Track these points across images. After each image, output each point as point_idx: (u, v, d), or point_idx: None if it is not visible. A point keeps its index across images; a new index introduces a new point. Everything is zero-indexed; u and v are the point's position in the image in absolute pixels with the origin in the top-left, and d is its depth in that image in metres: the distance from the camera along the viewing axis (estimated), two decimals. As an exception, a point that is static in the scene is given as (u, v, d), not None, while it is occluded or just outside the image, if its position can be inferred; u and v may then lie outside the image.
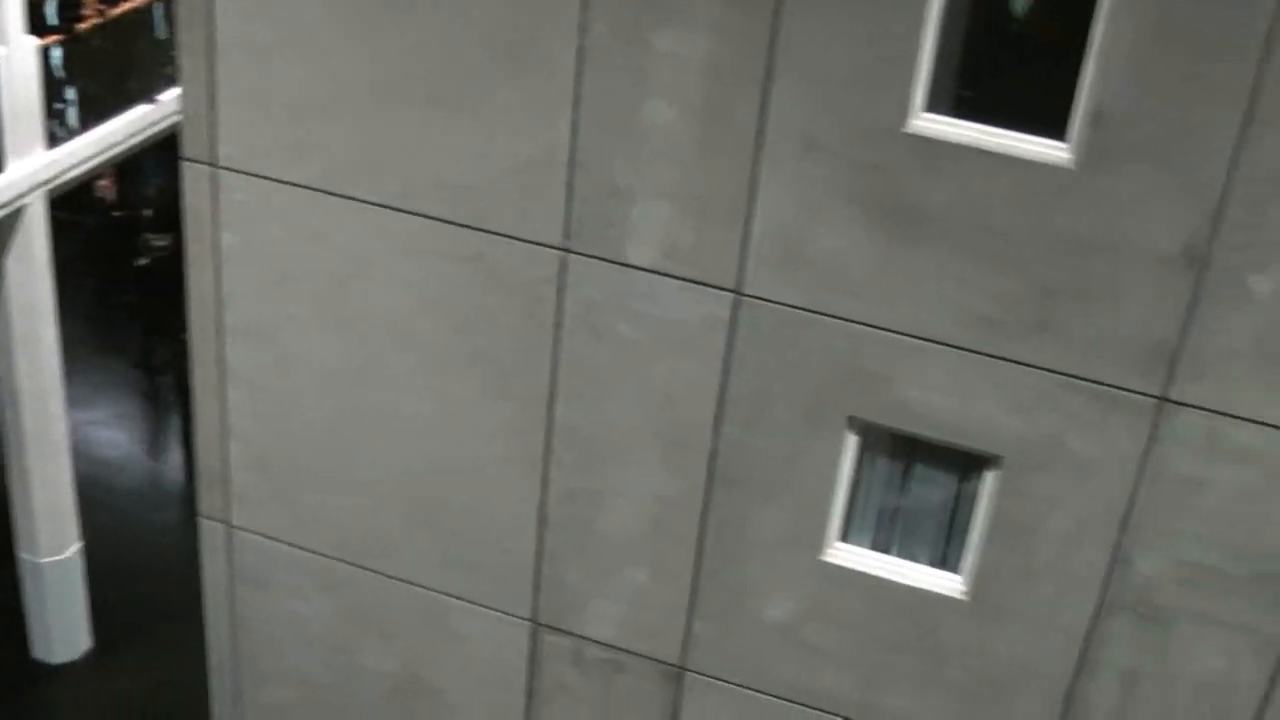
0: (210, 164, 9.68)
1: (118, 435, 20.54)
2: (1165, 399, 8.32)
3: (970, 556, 9.15)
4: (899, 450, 9.19)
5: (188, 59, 9.41)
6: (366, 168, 9.29)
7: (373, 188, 9.35)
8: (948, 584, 9.28)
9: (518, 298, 9.37)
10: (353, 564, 10.70)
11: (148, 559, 18.09)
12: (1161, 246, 7.94)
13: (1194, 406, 8.29)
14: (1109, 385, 8.36)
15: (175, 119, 11.28)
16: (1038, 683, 9.27)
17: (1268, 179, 7.56)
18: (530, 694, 10.68)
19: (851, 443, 9.11)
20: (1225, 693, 8.97)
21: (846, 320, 8.67)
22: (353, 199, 9.47)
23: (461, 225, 9.31)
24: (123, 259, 22.46)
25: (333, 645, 11.11)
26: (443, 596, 10.54)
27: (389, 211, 9.42)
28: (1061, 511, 8.76)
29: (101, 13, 16.09)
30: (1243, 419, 8.23)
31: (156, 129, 16.42)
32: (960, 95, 8.18)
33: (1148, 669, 9.05)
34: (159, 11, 16.31)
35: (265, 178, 9.61)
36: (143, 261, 22.49)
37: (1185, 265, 7.94)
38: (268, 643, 11.34)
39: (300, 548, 10.81)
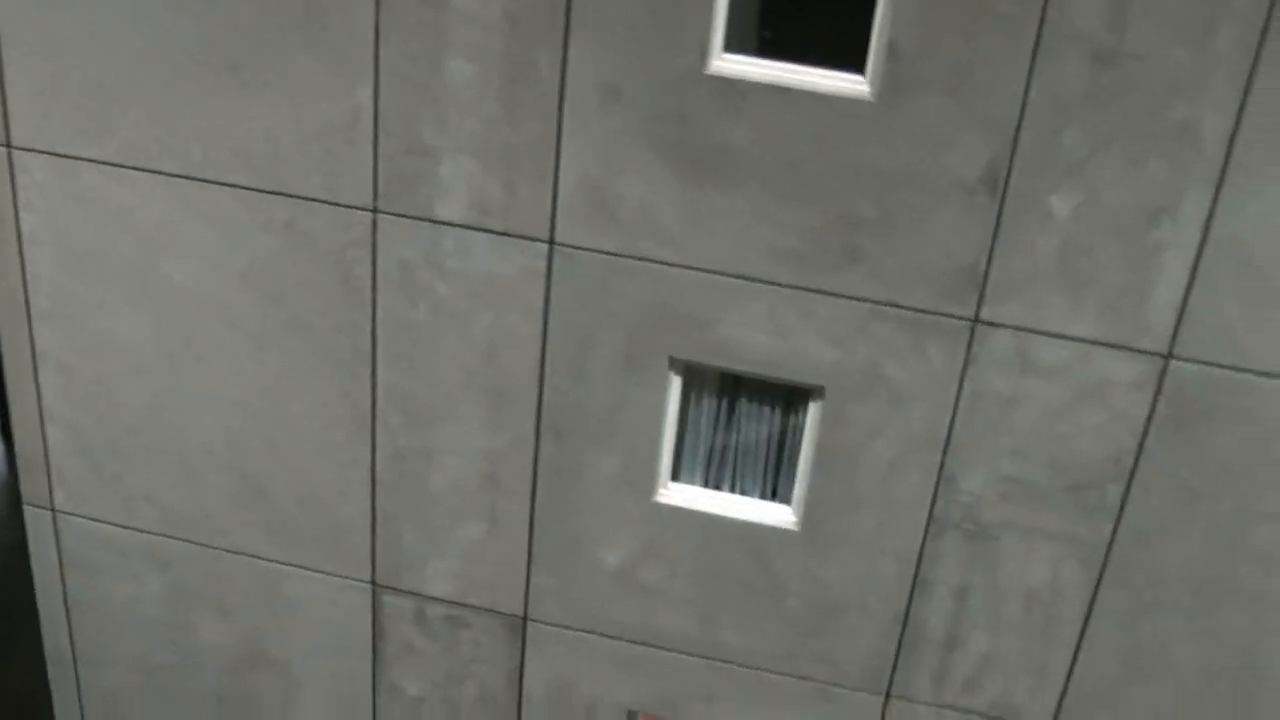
0: (3, 145, 9.35)
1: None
2: (976, 321, 8.51)
3: (799, 488, 9.32)
4: (723, 388, 9.30)
5: (-36, 39, 9.06)
6: (167, 141, 9.06)
7: (175, 160, 9.13)
8: (779, 516, 9.45)
9: (331, 263, 9.24)
10: (184, 540, 10.55)
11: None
12: (962, 174, 8.09)
13: (1004, 326, 8.50)
14: (921, 311, 8.54)
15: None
16: (873, 606, 9.51)
17: (1058, 105, 7.75)
18: (376, 657, 10.67)
19: (675, 384, 9.19)
20: (1053, 601, 9.29)
21: (661, 264, 8.71)
22: (155, 173, 9.23)
23: (268, 193, 9.14)
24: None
25: (170, 625, 10.97)
26: (278, 566, 10.46)
27: (193, 183, 9.21)
28: (884, 437, 8.96)
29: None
30: (1050, 335, 8.46)
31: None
32: (760, 35, 8.20)
33: (977, 584, 9.33)
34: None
35: (63, 156, 9.32)
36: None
37: (986, 191, 8.11)
38: (103, 628, 11.16)
39: (129, 528, 10.63)
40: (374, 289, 9.25)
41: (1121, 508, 8.92)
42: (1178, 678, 9.38)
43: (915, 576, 9.37)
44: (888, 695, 9.87)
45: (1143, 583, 9.13)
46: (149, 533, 10.61)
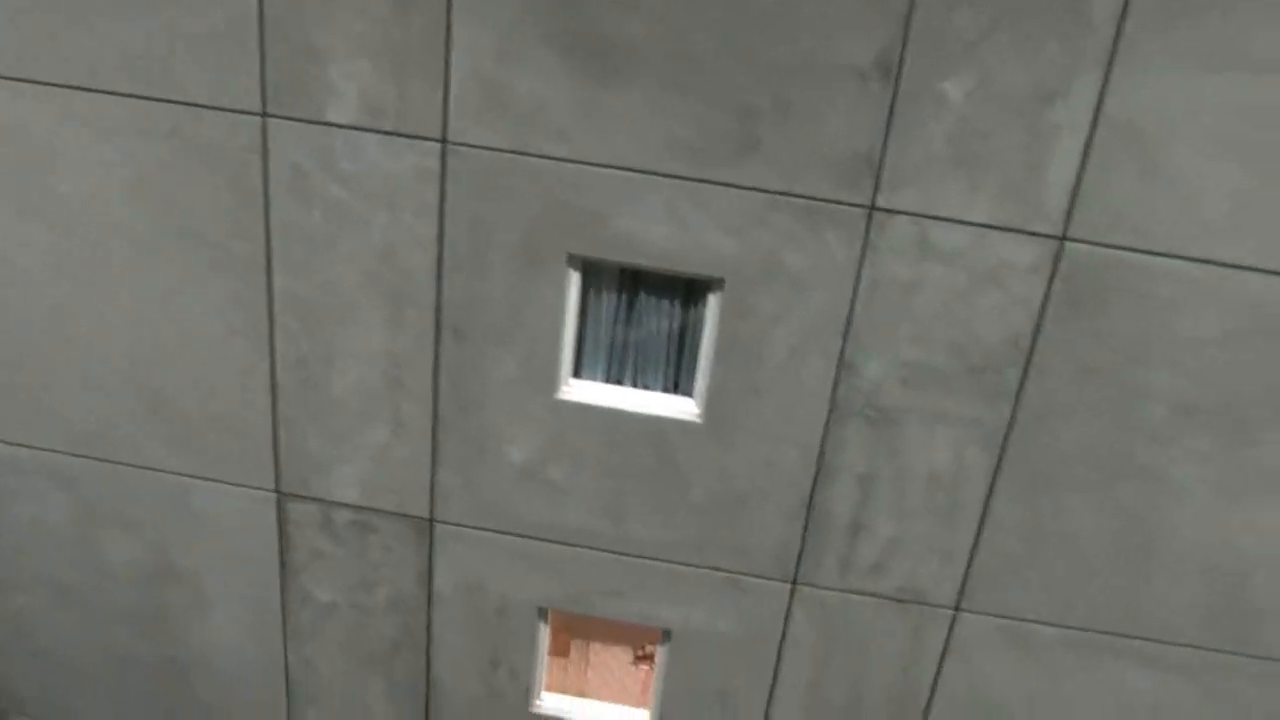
0: (-119, 59, 9.09)
1: None
2: (873, 208, 8.56)
3: (701, 380, 9.39)
4: (622, 283, 9.31)
5: None
6: (52, 52, 8.83)
7: (60, 71, 8.91)
8: (682, 409, 9.52)
9: (221, 169, 9.10)
10: (85, 457, 10.45)
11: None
12: (856, 61, 8.09)
13: (901, 213, 8.56)
14: (818, 200, 8.57)
15: None
16: (778, 495, 9.63)
17: (947, -14, 7.75)
18: (284, 565, 10.68)
19: (574, 280, 9.19)
20: (956, 484, 9.46)
21: (555, 159, 8.67)
22: (40, 84, 9.01)
23: (156, 100, 8.95)
24: None
25: (75, 543, 10.90)
26: (183, 478, 10.40)
27: (79, 93, 9.00)
28: (785, 327, 9.02)
29: None
30: (947, 220, 8.54)
31: None
32: (649, -78, 8.12)
33: (882, 470, 9.47)
34: None
35: (-61, 69, 9.08)
36: None
37: (880, 77, 8.12)
38: (8, 549, 11.06)
39: (29, 447, 10.51)
40: (266, 194, 9.13)
41: (1020, 389, 9.07)
42: (1077, 552, 9.61)
43: (819, 464, 9.49)
44: (795, 582, 10.04)
45: (1042, 462, 9.31)
46: (50, 450, 10.50)
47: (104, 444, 10.38)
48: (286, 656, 11.26)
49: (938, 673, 10.39)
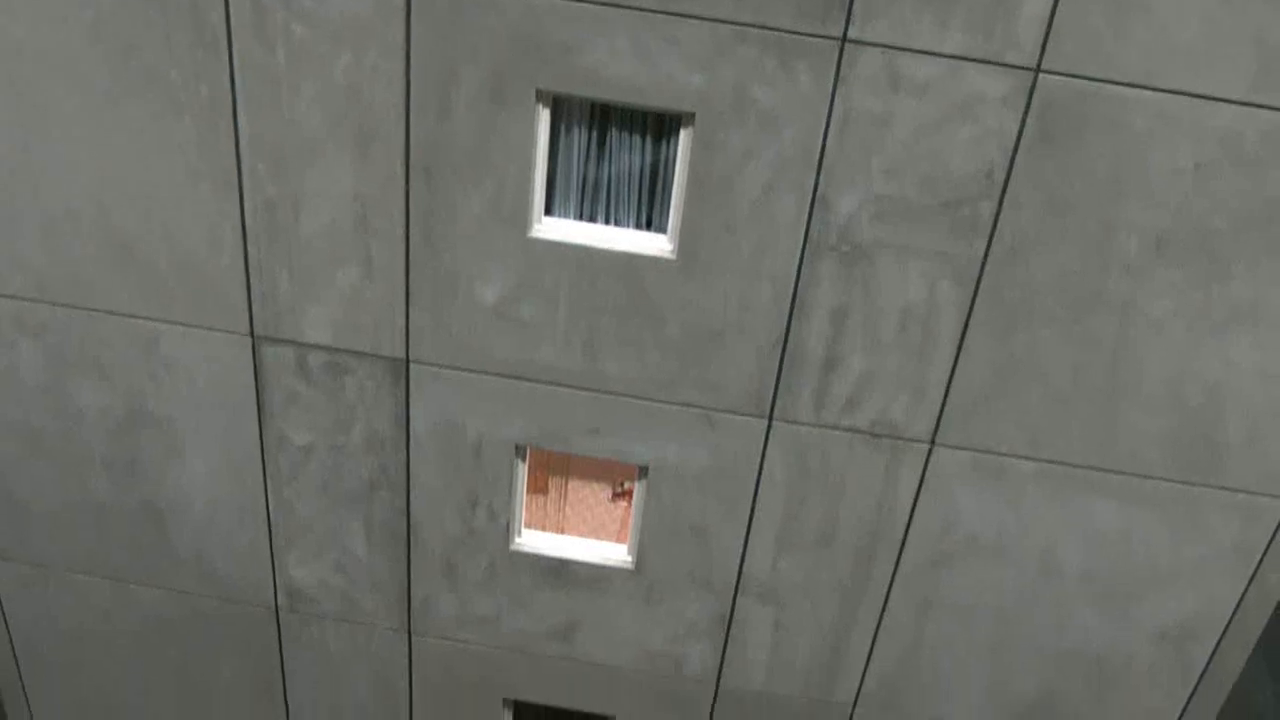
0: None
1: None
2: (844, 40, 8.54)
3: (673, 216, 9.44)
4: (592, 119, 9.32)
5: None
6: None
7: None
8: (655, 245, 9.59)
9: (181, 10, 9.02)
10: (53, 304, 10.49)
11: None
12: (825, -114, 8.01)
13: (872, 45, 8.55)
14: (787, 32, 8.53)
15: None
16: (753, 331, 9.74)
17: None
18: (260, 409, 10.80)
19: (544, 116, 9.19)
20: (930, 317, 9.58)
21: (522, -6, 8.60)
22: (-13, -77, 8.89)
23: (109, -63, 8.85)
24: None
25: (47, 391, 11.00)
26: (154, 324, 10.47)
27: (30, -67, 8.89)
28: (756, 162, 9.05)
29: None
30: (918, 52, 8.53)
31: None
32: None
33: (855, 305, 9.57)
34: None
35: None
36: None
37: (849, -97, 8.04)
38: (-21, 394, 11.17)
39: (-3, 294, 10.56)
40: (229, 35, 9.07)
41: (994, 223, 9.15)
42: (1049, 385, 9.77)
43: (793, 300, 9.59)
44: (770, 418, 10.20)
45: (1015, 296, 9.42)
46: (17, 298, 10.54)
47: (72, 291, 10.43)
48: (266, 499, 11.44)
49: (912, 506, 10.61)
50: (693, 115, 8.97)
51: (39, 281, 10.42)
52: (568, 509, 11.75)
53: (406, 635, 12.21)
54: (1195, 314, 9.33)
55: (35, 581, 12.50)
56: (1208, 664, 11.24)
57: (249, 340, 10.45)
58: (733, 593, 11.31)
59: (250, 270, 10.07)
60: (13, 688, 13.56)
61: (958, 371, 9.87)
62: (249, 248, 9.98)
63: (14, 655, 13.22)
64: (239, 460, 11.22)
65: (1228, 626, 10.97)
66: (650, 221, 9.65)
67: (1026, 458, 10.18)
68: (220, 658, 12.80)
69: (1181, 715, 11.63)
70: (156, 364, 10.68)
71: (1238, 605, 10.83)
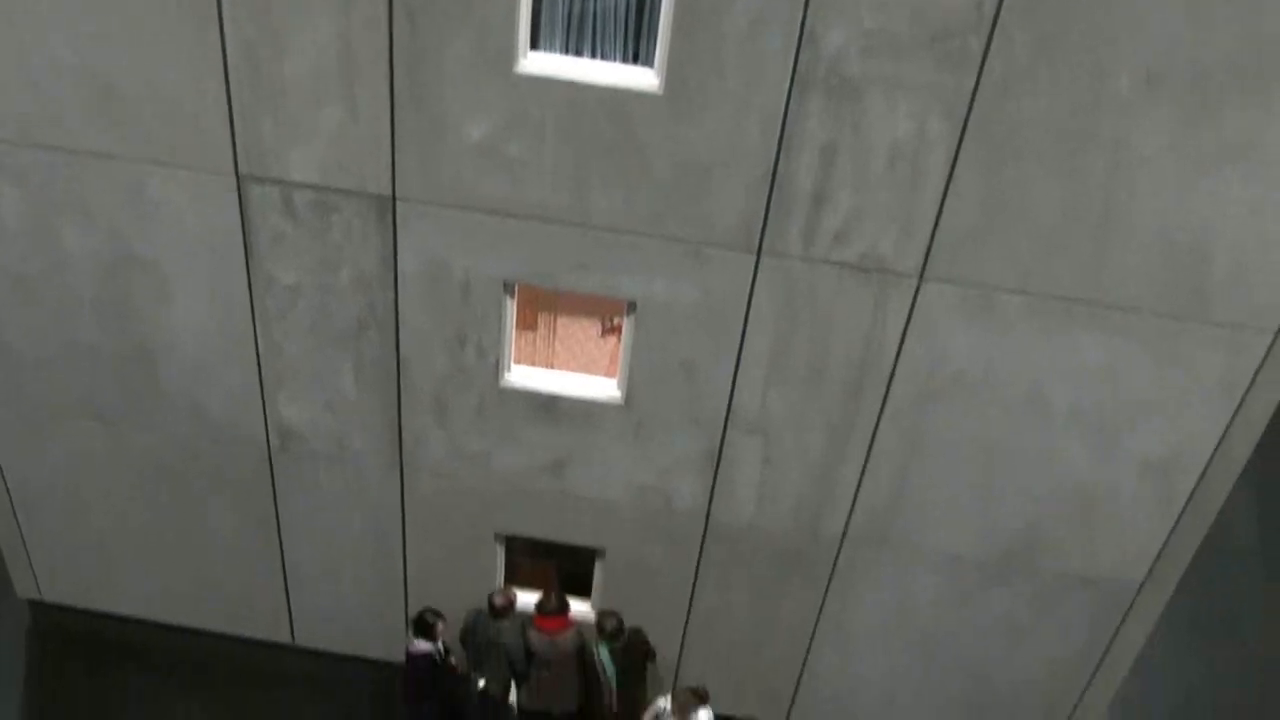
0: None
1: None
2: None
3: (661, 50, 9.40)
4: (578, -49, 9.22)
5: None
6: None
7: None
8: (642, 80, 9.55)
9: None
10: (36, 147, 10.45)
11: None
12: None
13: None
14: None
15: None
16: (741, 167, 9.76)
17: None
18: (247, 249, 10.84)
19: (528, -52, 9.09)
20: (918, 153, 9.59)
21: None
22: None
23: None
24: None
25: (32, 236, 11.02)
26: (139, 166, 10.44)
27: None
28: (744, -6, 8.98)
29: None
30: (910, -120, 8.41)
31: None
32: None
33: (844, 140, 9.58)
34: None
35: None
36: None
37: None
38: (-37, 237, 11.18)
39: (-23, 135, 10.51)
40: None
41: (983, 57, 9.11)
42: (1038, 222, 9.82)
43: (781, 135, 9.59)
44: (759, 252, 10.25)
45: (1005, 132, 9.42)
46: (2, 141, 10.48)
47: (54, 134, 10.38)
48: (255, 340, 11.53)
49: (900, 341, 10.72)
50: (680, -54, 8.88)
51: (19, 125, 10.37)
52: (557, 345, 11.84)
53: (398, 473, 12.39)
54: (1185, 151, 9.34)
55: (28, 426, 12.63)
56: (1191, 495, 11.46)
57: (234, 180, 10.44)
58: (722, 428, 11.47)
59: (234, 110, 10.03)
60: (10, 534, 13.78)
61: (946, 206, 9.90)
62: (231, 88, 9.92)
63: (10, 501, 13.40)
64: (227, 302, 11.28)
65: (1212, 458, 11.16)
66: (637, 55, 9.59)
67: (1014, 292, 10.26)
68: (214, 498, 13.00)
69: (1165, 545, 11.89)
70: (142, 206, 10.69)
71: (1222, 437, 11.00)
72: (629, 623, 13.01)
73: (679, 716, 12.55)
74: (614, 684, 13.01)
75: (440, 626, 12.82)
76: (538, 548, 13.22)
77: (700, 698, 12.53)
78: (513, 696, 13.21)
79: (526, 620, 12.90)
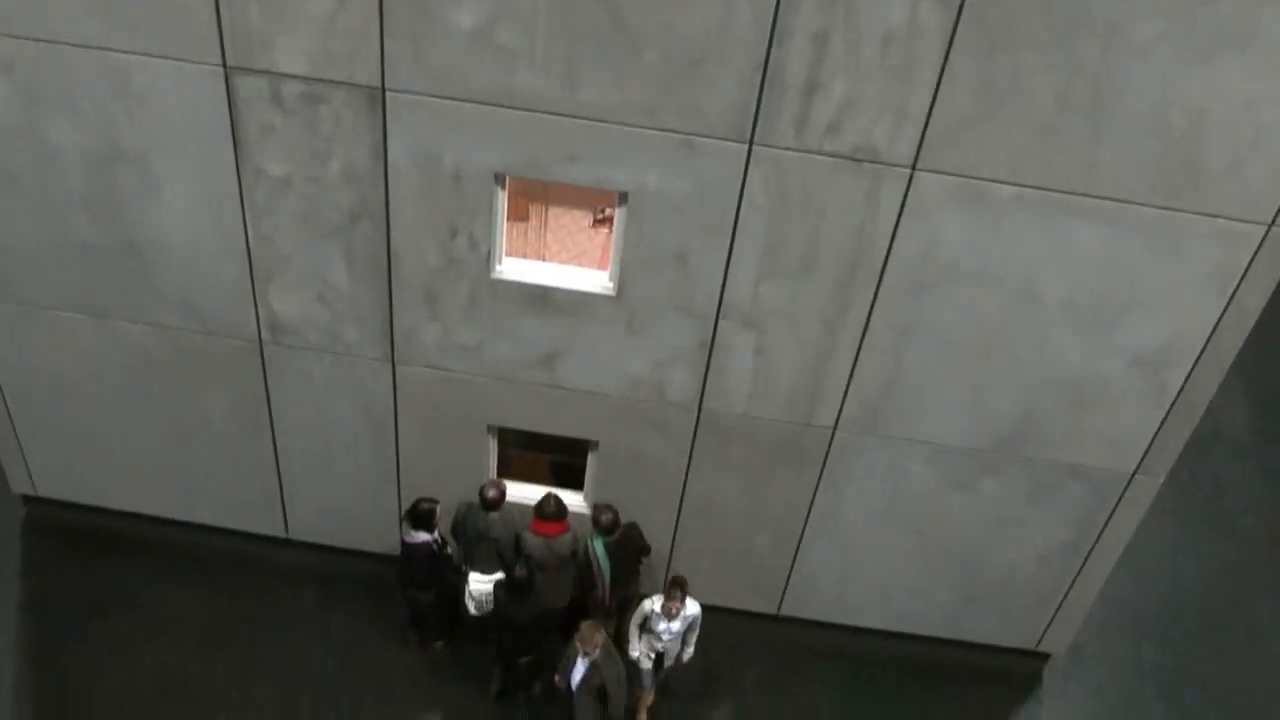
0: None
1: None
2: None
3: (652, -62, 9.33)
4: None
5: None
6: None
7: None
8: (634, -33, 9.49)
9: None
10: (20, 38, 10.39)
11: None
12: None
13: None
14: None
15: None
16: (732, 56, 9.74)
17: None
18: (236, 141, 10.83)
19: None
20: (912, 42, 9.57)
21: None
22: None
23: None
24: None
25: (19, 131, 10.99)
26: (125, 56, 10.40)
27: None
28: (737, -120, 8.91)
29: None
30: None
31: None
32: None
33: (837, 28, 9.55)
34: None
35: None
36: None
37: None
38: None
39: (-42, 25, 10.44)
40: None
41: (979, -58, 9.06)
42: (1032, 110, 9.82)
43: (774, 24, 9.56)
44: (751, 143, 10.26)
45: (999, 18, 9.39)
46: (-16, 33, 10.45)
47: (39, 25, 10.31)
48: (245, 233, 11.55)
49: (893, 232, 10.75)
50: None
51: (5, 16, 10.29)
52: (548, 236, 11.88)
53: (390, 365, 12.47)
54: (1181, 38, 9.31)
55: (19, 321, 12.67)
56: (1182, 387, 11.56)
57: (222, 71, 10.40)
58: (714, 319, 11.54)
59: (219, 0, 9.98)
60: (3, 429, 13.87)
61: (940, 96, 9.89)
62: (217, -26, 9.86)
63: (2, 397, 13.47)
64: (217, 194, 11.28)
65: (1203, 350, 11.25)
66: (628, -58, 9.54)
67: (1008, 183, 10.29)
68: (207, 391, 13.08)
69: (1155, 437, 12.01)
70: (129, 99, 10.65)
71: (1214, 329, 11.08)
72: (623, 516, 13.16)
73: (667, 615, 12.74)
74: (608, 578, 13.18)
75: (437, 515, 12.96)
76: (531, 439, 13.33)
77: (683, 588, 12.66)
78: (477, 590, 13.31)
79: (521, 519, 13.01)
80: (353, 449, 13.39)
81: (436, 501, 12.96)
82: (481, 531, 12.95)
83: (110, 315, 12.44)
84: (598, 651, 12.13)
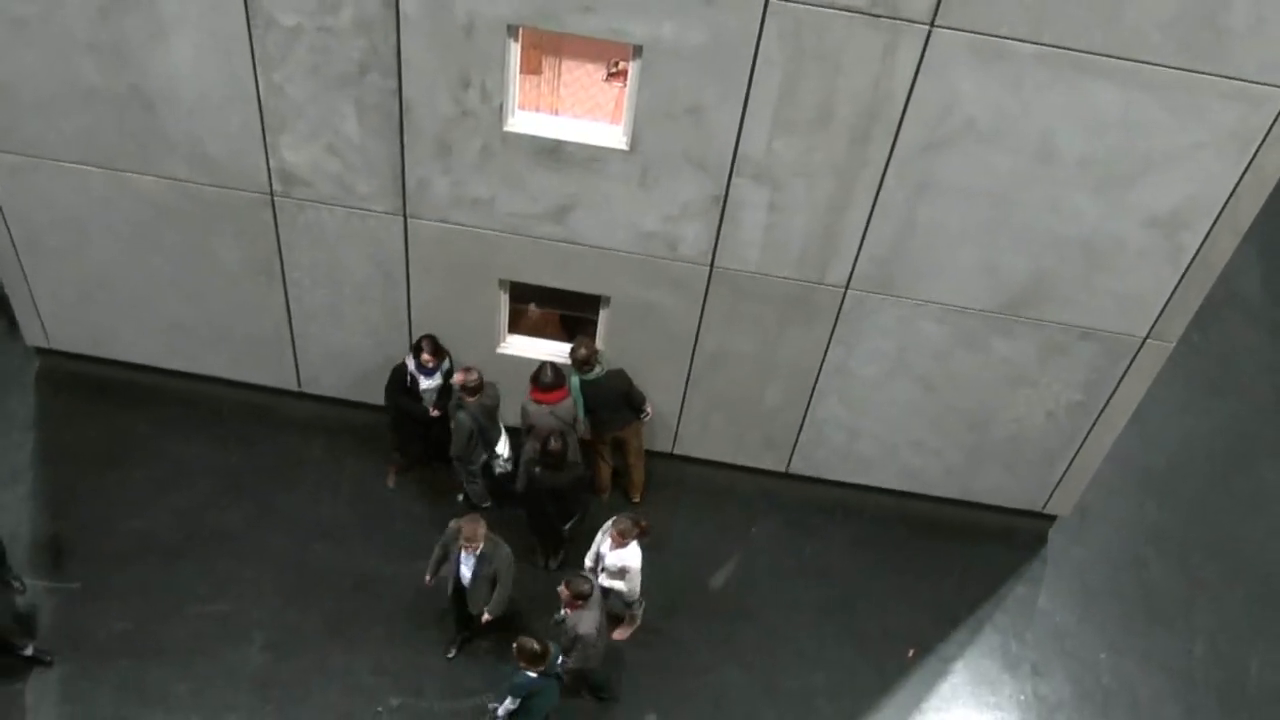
0: None
1: None
2: None
3: None
4: None
5: None
6: None
7: None
8: None
9: None
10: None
11: None
12: None
13: None
14: None
15: None
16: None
17: None
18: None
19: None
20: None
21: None
22: None
23: None
24: None
25: None
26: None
27: None
28: None
29: None
30: None
31: None
32: None
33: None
34: None
35: None
36: None
37: None
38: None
39: None
40: None
41: None
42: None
43: None
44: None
45: None
46: None
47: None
48: (255, 82, 11.49)
49: (910, 88, 10.68)
50: None
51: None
52: (562, 89, 11.80)
53: (402, 218, 12.47)
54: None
55: (30, 173, 12.66)
56: (1198, 250, 11.54)
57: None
58: (728, 174, 11.51)
59: None
60: (15, 281, 13.91)
61: (961, -52, 9.77)
62: None
63: (12, 244, 13.49)
64: (226, 43, 11.20)
65: (1220, 212, 11.21)
66: None
67: (1027, 40, 10.18)
68: (218, 242, 13.10)
69: (1169, 300, 12.01)
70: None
71: (1231, 193, 11.04)
72: (633, 371, 13.21)
73: (612, 544, 12.46)
74: (581, 415, 13.29)
75: (426, 352, 13.13)
76: (542, 294, 13.37)
77: (639, 530, 12.33)
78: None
79: (494, 392, 13.16)
80: (364, 301, 13.44)
81: (430, 340, 13.13)
82: (488, 408, 13.15)
83: (119, 165, 12.43)
84: (483, 544, 12.02)
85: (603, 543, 12.56)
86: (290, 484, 14.29)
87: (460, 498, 14.22)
